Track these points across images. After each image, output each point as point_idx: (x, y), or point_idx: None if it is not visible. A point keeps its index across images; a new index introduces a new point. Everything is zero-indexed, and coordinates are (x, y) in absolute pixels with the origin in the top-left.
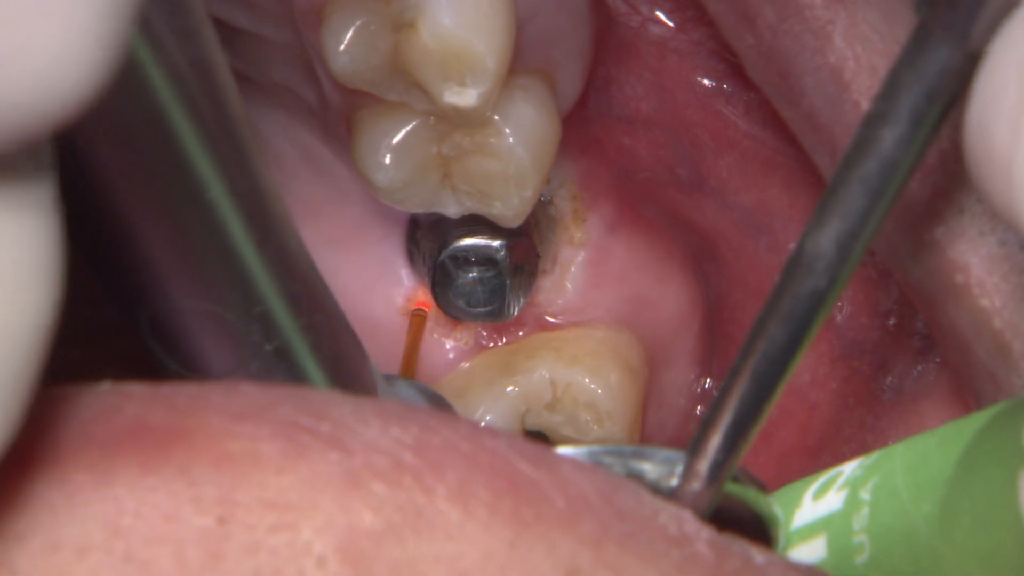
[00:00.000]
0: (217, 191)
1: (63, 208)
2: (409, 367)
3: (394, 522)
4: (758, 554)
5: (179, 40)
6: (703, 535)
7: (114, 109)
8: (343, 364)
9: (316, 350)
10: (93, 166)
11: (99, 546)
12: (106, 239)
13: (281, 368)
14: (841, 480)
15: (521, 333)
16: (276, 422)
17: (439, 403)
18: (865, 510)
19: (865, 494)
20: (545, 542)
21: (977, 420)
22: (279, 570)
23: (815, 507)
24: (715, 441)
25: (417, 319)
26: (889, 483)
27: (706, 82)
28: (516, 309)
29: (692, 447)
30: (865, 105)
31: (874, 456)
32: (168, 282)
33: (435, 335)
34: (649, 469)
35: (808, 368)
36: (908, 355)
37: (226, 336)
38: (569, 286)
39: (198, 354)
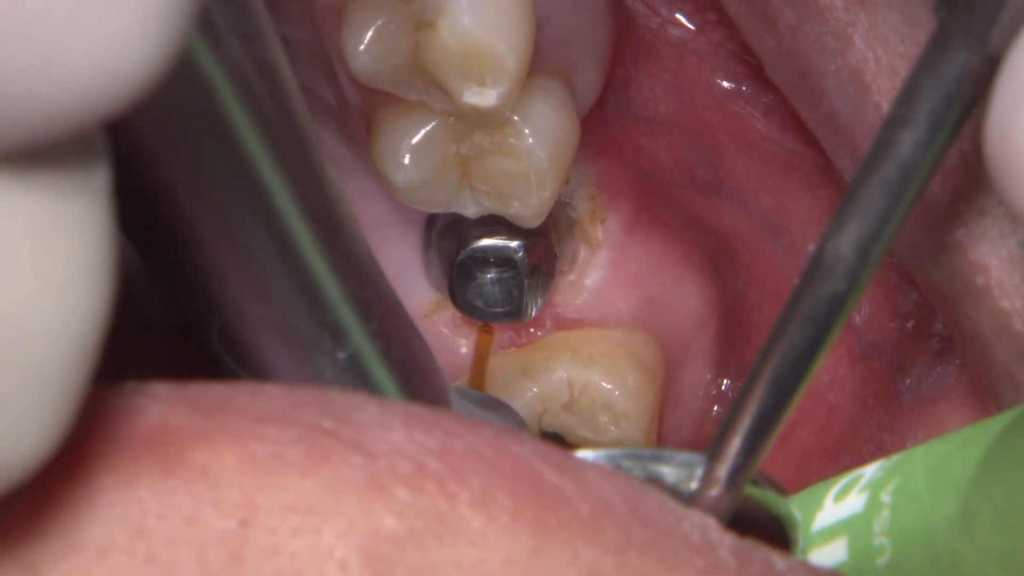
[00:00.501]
0: (284, 197)
1: (117, 202)
2: (477, 381)
3: (416, 528)
4: (779, 560)
5: (242, 43)
6: (726, 542)
7: (180, 114)
8: (414, 370)
9: (387, 357)
10: (160, 175)
11: (121, 547)
12: (174, 249)
13: (353, 376)
14: (862, 482)
15: (539, 334)
16: (300, 425)
17: (507, 412)
18: (886, 512)
19: (886, 496)
20: (568, 549)
21: (998, 422)
22: (300, 574)
23: (836, 509)
24: (735, 444)
25: (484, 335)
26: (910, 485)
27: (725, 84)
28: (534, 310)
29: (711, 450)
30: (886, 107)
31: (895, 458)
32: (238, 291)
33: (453, 336)
34: (668, 472)
35: (827, 369)
36: (927, 357)
37: (298, 345)
38: (587, 287)
39: (269, 364)
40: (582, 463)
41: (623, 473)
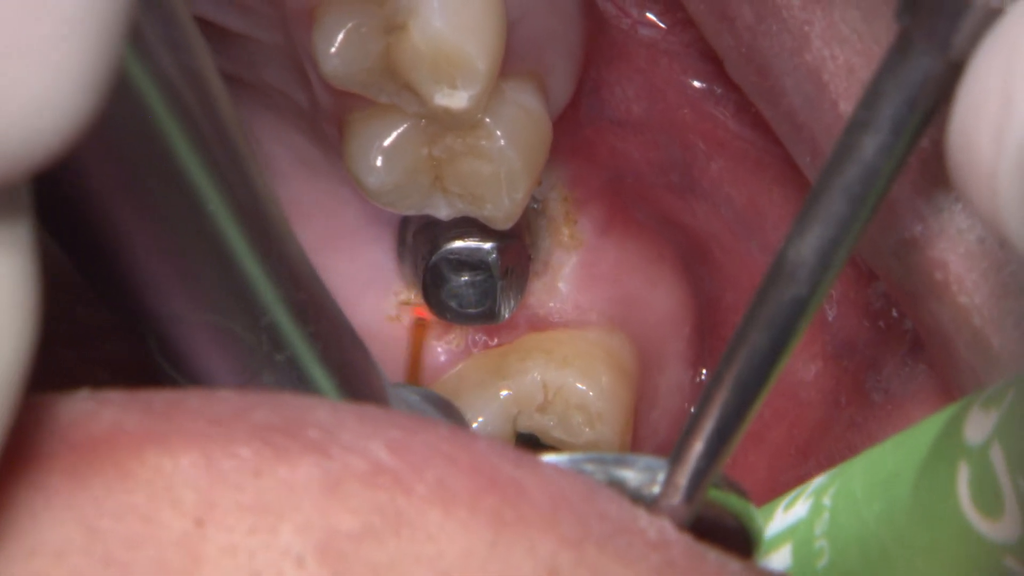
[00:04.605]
0: (216, 203)
1: (40, 249)
2: (413, 375)
3: (374, 523)
4: (734, 562)
5: (170, 52)
6: (681, 541)
7: (109, 125)
8: (351, 371)
9: (324, 358)
10: (92, 185)
11: (78, 549)
12: (109, 257)
13: (292, 378)
14: (809, 490)
15: (513, 336)
16: (254, 426)
17: (447, 409)
18: (826, 515)
19: (827, 500)
20: (525, 542)
21: (934, 423)
22: (259, 572)
23: (784, 517)
24: (697, 448)
25: (419, 327)
26: (848, 487)
27: (696, 84)
28: (507, 311)
29: (674, 455)
30: (843, 105)
31: (841, 465)
32: (173, 297)
33: (427, 338)
34: (631, 476)
35: (799, 368)
36: (898, 356)
37: (235, 349)
38: (560, 288)
39: (208, 369)
40: (539, 459)
41: (580, 472)
